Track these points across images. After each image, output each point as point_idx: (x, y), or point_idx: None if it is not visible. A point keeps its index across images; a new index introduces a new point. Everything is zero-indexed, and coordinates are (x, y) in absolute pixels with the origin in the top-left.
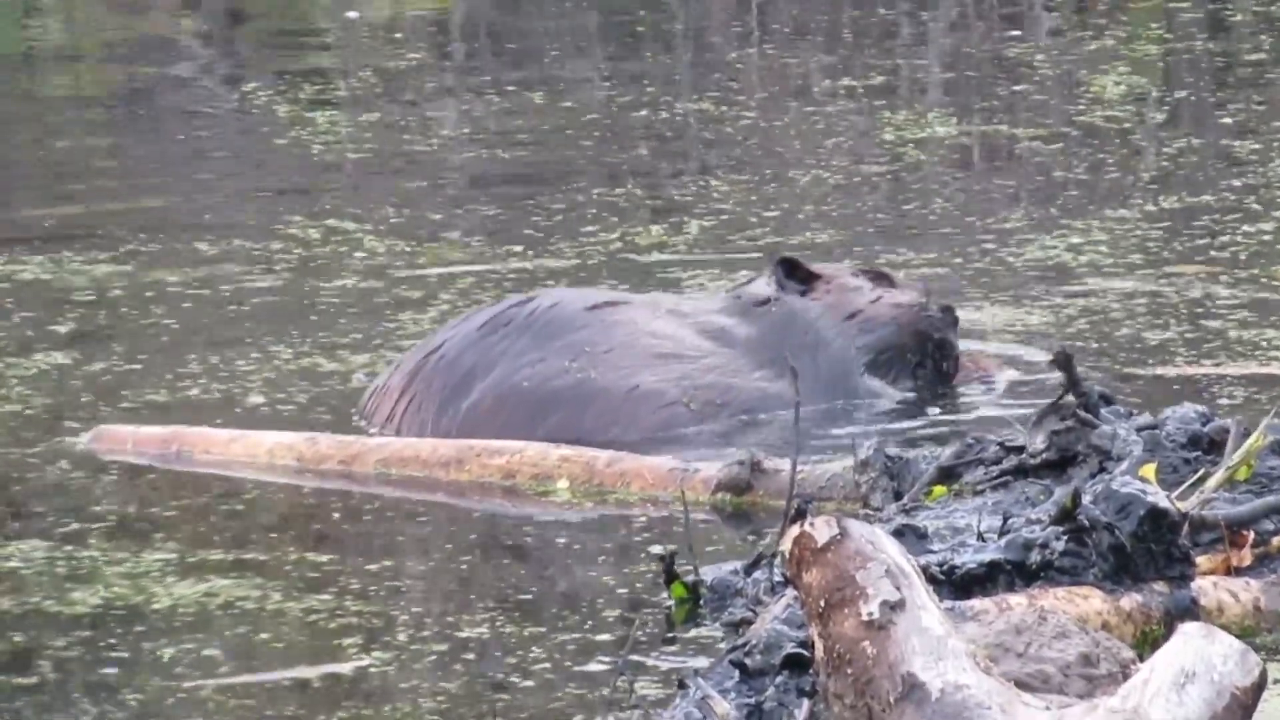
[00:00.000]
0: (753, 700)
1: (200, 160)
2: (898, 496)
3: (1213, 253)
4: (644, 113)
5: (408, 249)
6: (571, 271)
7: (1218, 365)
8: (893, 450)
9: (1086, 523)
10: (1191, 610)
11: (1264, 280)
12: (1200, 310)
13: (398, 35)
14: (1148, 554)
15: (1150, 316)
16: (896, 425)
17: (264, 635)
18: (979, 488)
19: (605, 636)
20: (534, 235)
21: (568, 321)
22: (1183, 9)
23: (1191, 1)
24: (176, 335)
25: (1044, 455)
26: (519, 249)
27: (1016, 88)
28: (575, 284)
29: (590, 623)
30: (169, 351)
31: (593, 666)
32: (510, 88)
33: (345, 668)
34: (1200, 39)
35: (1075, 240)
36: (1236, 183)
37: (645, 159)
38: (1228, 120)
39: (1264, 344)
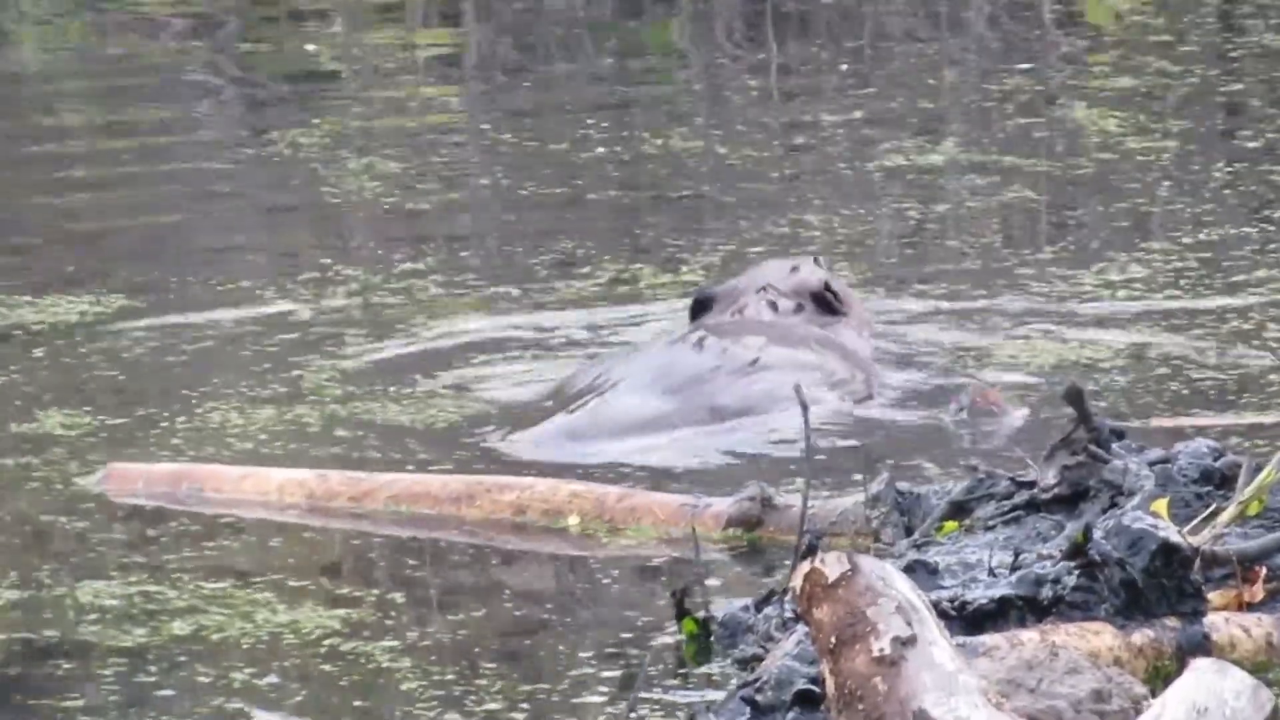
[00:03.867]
0: None
1: (209, 200)
2: (909, 532)
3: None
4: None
5: (419, 296)
6: (588, 310)
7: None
8: (904, 485)
9: (1098, 558)
10: (1203, 646)
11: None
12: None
13: (409, 77)
14: (1159, 589)
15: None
16: (908, 461)
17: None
18: (990, 523)
19: (616, 672)
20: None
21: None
22: (1186, 42)
23: (1198, 33)
24: (184, 375)
25: (1055, 490)
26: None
27: (1025, 121)
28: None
29: (601, 658)
30: (178, 390)
31: (604, 702)
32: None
33: (351, 703)
34: (1206, 71)
35: (1110, 277)
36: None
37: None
38: (1249, 146)
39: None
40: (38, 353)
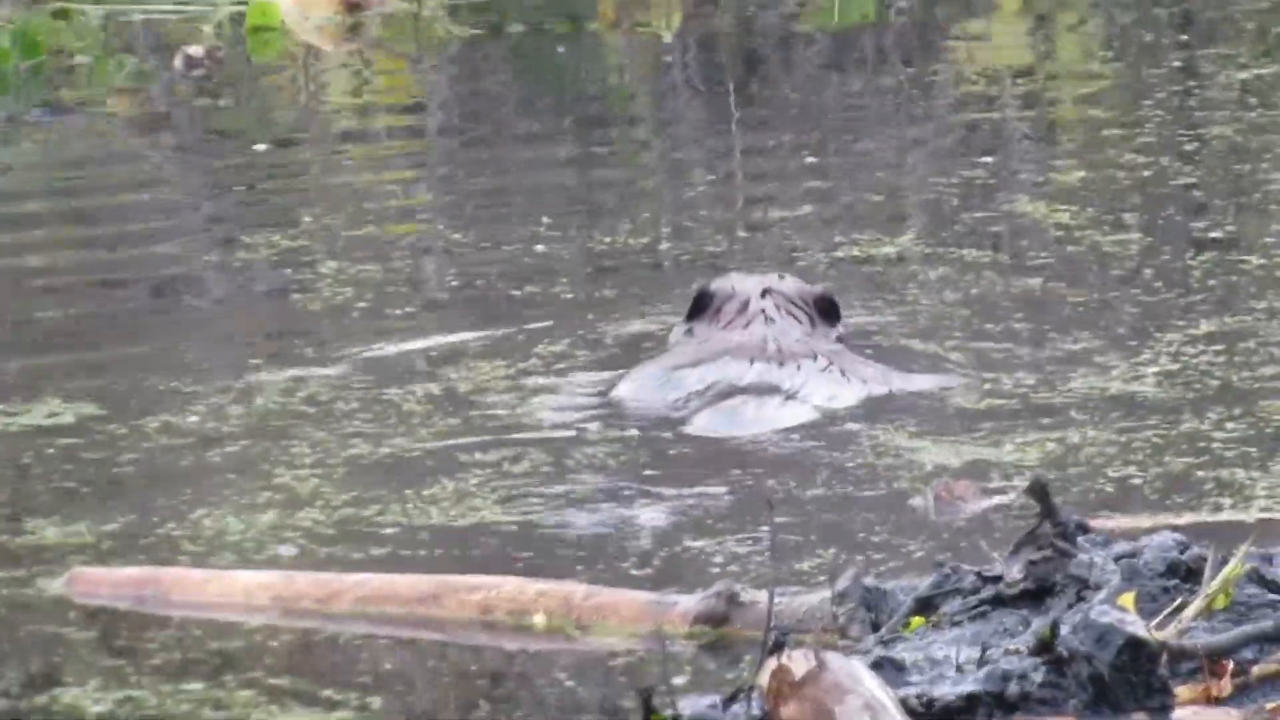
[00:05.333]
0: None
1: (177, 311)
2: (876, 628)
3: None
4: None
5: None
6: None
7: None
8: (870, 581)
9: (1065, 653)
10: None
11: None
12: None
13: (379, 155)
14: (1127, 684)
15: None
16: (875, 556)
17: None
18: (957, 618)
19: None
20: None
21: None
22: (1142, 133)
23: (1154, 124)
24: (151, 478)
25: (1021, 585)
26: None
27: (982, 214)
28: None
29: None
30: (145, 494)
31: None
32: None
33: None
34: (1163, 163)
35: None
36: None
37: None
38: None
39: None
40: None
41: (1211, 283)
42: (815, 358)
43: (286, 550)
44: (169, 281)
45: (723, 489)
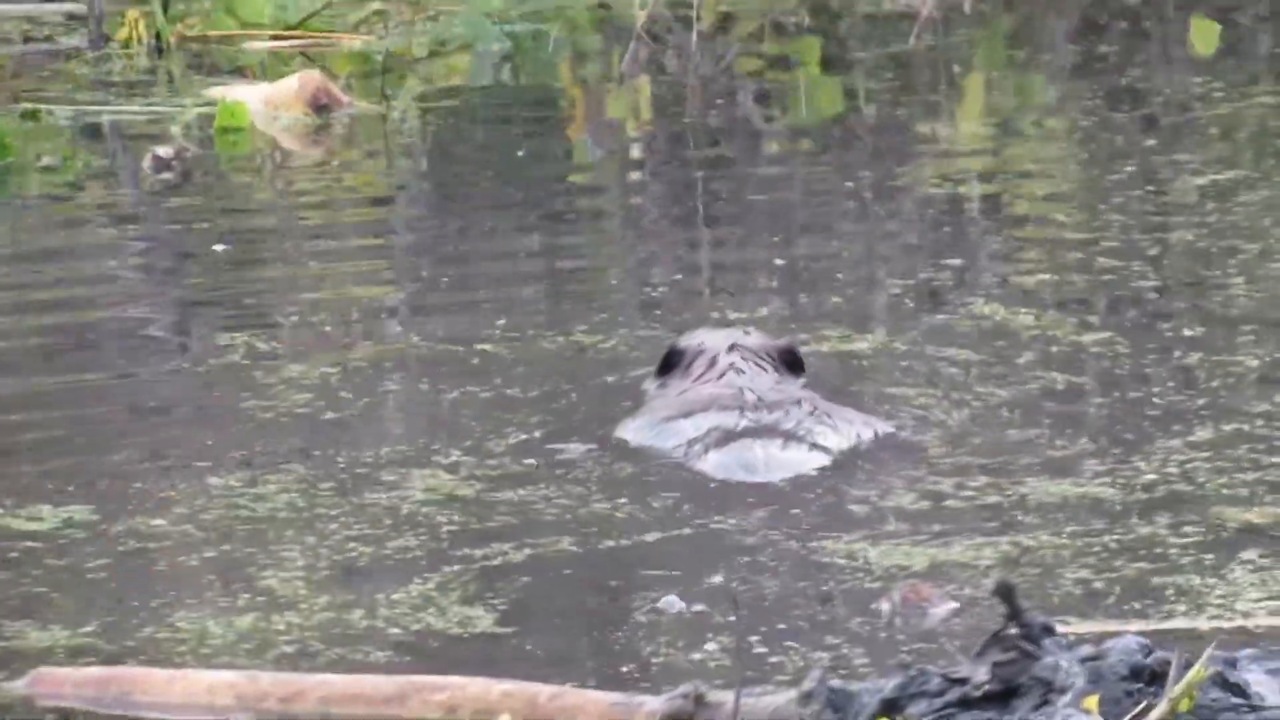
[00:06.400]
0: None
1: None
2: None
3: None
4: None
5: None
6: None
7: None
8: (836, 682)
9: None
10: None
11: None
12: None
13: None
14: None
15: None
16: (841, 656)
17: None
18: None
19: None
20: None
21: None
22: (1104, 236)
23: (1117, 230)
24: (123, 581)
25: (987, 687)
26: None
27: (947, 316)
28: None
29: None
30: (111, 595)
31: None
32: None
33: None
34: (1128, 267)
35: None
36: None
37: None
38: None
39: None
40: None
41: (1172, 385)
42: (800, 402)
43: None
44: (134, 383)
45: (695, 583)
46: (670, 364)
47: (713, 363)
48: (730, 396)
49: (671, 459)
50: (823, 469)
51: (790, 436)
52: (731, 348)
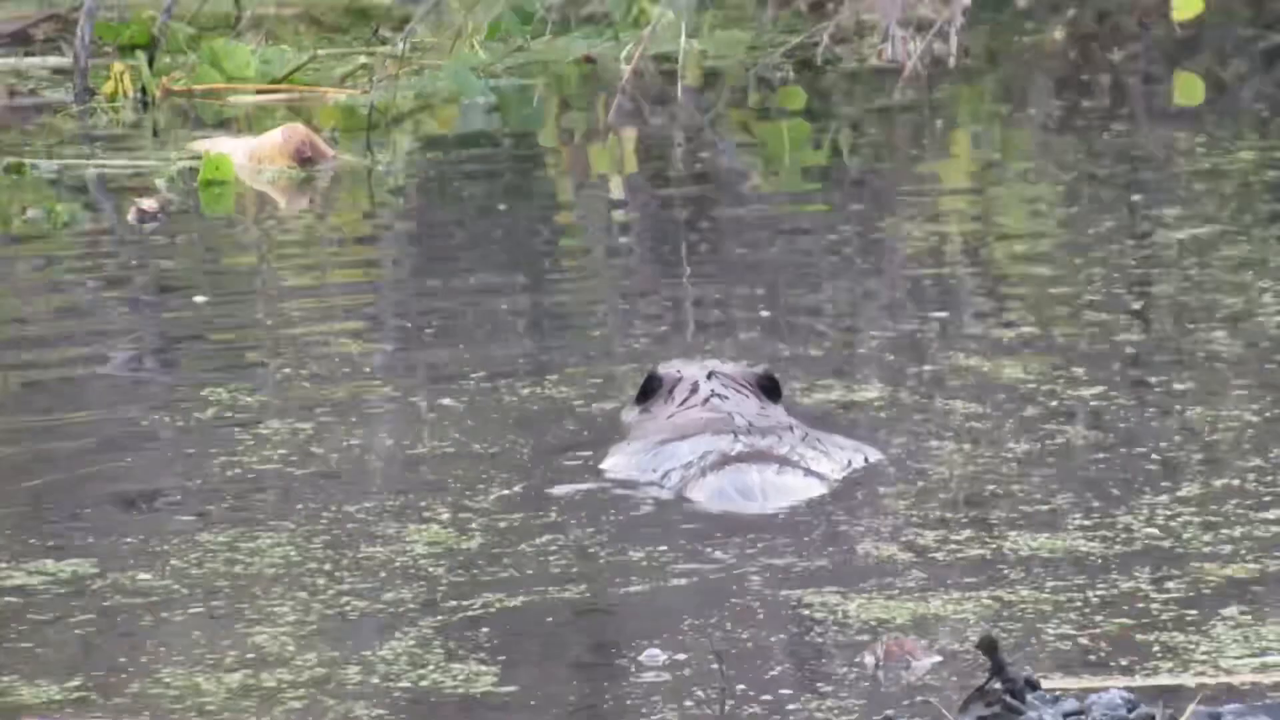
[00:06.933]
0: None
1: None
2: None
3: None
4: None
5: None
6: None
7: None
8: None
9: None
10: None
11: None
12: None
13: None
14: None
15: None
16: (822, 711)
17: None
18: None
19: None
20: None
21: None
22: (1087, 290)
23: (1100, 285)
24: (111, 637)
25: None
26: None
27: (934, 367)
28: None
29: None
30: (98, 650)
31: None
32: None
33: None
34: (1112, 321)
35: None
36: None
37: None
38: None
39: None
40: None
41: (1161, 439)
42: (791, 428)
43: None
44: (116, 436)
45: (680, 633)
46: (650, 391)
47: (694, 389)
48: (721, 421)
49: (665, 488)
50: (814, 503)
51: (785, 462)
52: (710, 375)
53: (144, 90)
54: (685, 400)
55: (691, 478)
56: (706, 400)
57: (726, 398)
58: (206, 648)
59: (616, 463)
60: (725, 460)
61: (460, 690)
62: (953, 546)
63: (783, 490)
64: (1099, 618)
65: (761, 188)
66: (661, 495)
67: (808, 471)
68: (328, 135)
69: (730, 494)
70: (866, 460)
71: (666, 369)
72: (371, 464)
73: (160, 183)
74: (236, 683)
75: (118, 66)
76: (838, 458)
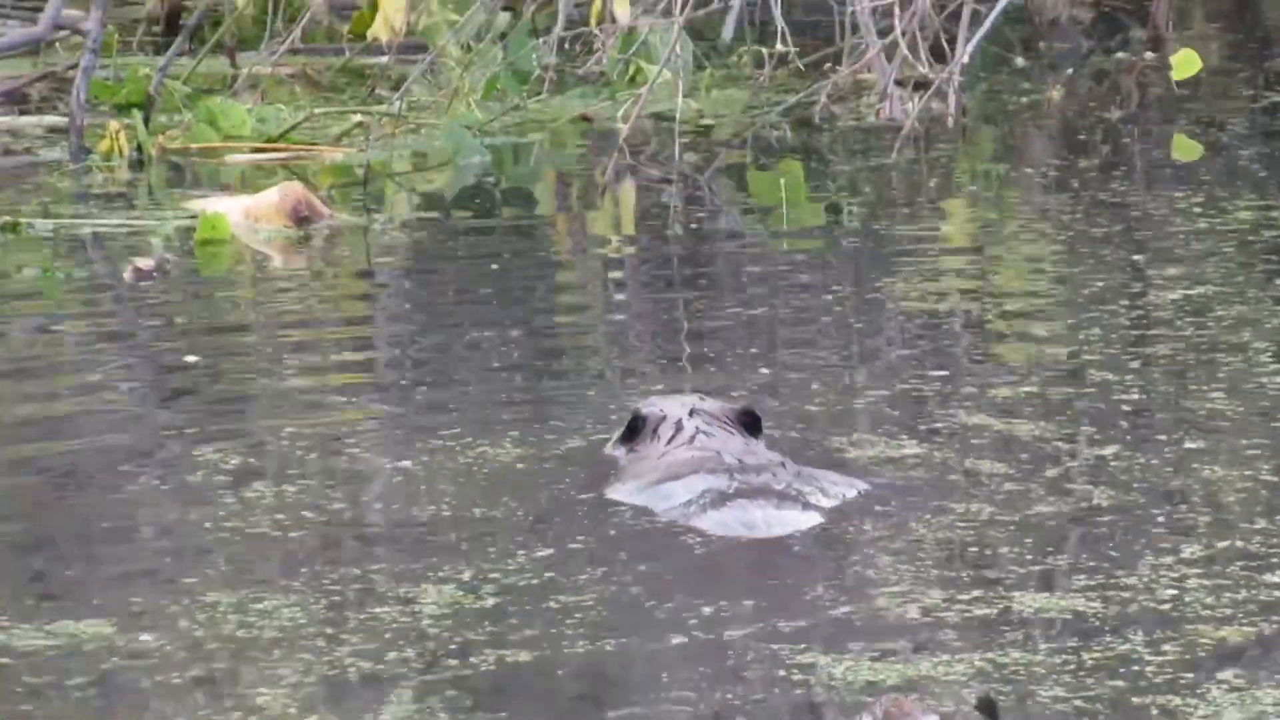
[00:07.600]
0: None
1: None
2: None
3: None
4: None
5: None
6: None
7: None
8: None
9: None
10: None
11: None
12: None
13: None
14: None
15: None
16: None
17: None
18: None
19: None
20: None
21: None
22: (1085, 349)
23: (1098, 342)
24: (108, 698)
25: None
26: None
27: (930, 425)
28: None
29: None
30: (98, 712)
31: None
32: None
33: None
34: (1106, 378)
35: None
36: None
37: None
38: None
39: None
40: None
41: (1165, 499)
42: (784, 464)
43: None
44: (108, 498)
45: (676, 695)
46: (635, 430)
47: (679, 427)
48: (712, 460)
49: (665, 528)
50: (815, 535)
51: (783, 497)
52: (692, 412)
53: (140, 149)
54: (672, 439)
55: (693, 515)
56: (692, 438)
57: (712, 435)
58: (210, 709)
59: (611, 507)
60: (724, 498)
61: None
62: (958, 606)
63: (784, 524)
64: (1090, 680)
65: (757, 245)
66: (665, 540)
67: (806, 506)
68: (324, 194)
69: (734, 526)
70: (859, 493)
71: (649, 408)
72: (368, 525)
73: (156, 241)
74: None
75: (113, 125)
76: (833, 493)
